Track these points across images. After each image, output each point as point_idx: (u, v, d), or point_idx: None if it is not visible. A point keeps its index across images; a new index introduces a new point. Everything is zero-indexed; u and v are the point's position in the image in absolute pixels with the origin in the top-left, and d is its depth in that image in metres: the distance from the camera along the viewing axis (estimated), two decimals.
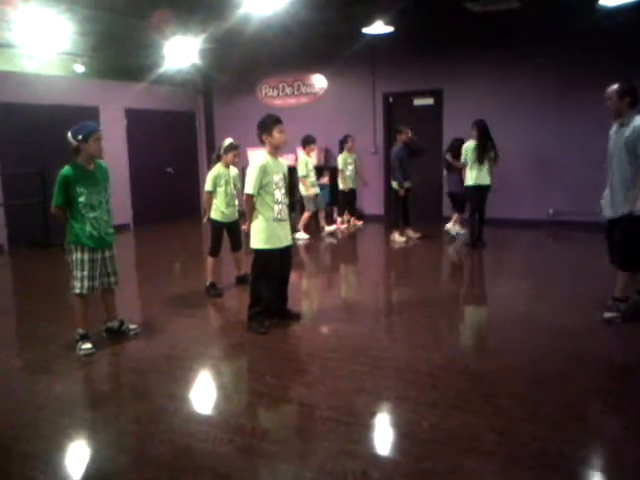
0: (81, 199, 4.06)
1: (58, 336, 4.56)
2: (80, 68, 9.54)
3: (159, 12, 6.96)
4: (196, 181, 11.91)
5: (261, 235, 4.42)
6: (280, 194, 4.46)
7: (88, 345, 4.16)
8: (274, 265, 4.48)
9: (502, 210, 9.31)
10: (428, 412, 3.13)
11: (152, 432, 3.02)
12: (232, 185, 5.71)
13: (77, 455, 2.91)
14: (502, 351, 4.05)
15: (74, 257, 4.12)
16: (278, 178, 4.44)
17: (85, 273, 4.11)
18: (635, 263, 4.36)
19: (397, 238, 8.35)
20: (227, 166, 5.68)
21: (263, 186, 4.37)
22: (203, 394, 3.64)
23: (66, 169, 4.06)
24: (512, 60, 8.96)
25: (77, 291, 4.14)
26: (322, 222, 9.22)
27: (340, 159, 9.25)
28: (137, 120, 10.41)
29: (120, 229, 8.40)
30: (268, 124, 4.37)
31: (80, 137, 4.01)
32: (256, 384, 3.70)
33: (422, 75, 9.76)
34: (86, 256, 4.11)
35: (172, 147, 11.23)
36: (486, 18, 8.09)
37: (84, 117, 10.03)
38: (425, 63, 9.65)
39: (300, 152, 8.80)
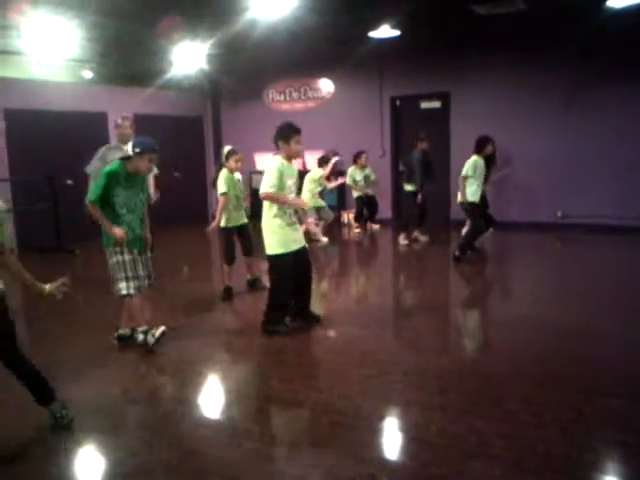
0: (118, 199, 4.07)
1: (66, 341, 4.59)
2: (88, 74, 9.62)
3: (167, 18, 7.00)
4: (204, 186, 11.96)
5: (275, 240, 4.44)
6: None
7: (156, 329, 4.22)
8: (290, 269, 4.49)
9: (510, 212, 9.28)
10: (436, 416, 3.13)
11: (160, 436, 3.04)
12: (239, 189, 5.73)
13: (86, 459, 2.93)
14: (509, 354, 4.04)
15: (114, 260, 4.13)
16: (291, 182, 4.49)
17: (129, 274, 4.14)
18: None
19: (402, 241, 8.36)
20: (231, 172, 5.70)
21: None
22: (212, 398, 3.66)
23: (115, 164, 4.09)
24: (519, 62, 8.93)
25: (124, 292, 4.15)
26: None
27: (348, 174, 9.18)
28: (145, 125, 10.45)
29: None
30: (287, 133, 4.37)
31: (137, 150, 4.08)
32: (264, 388, 3.71)
33: (429, 78, 9.76)
34: (127, 257, 4.13)
35: (180, 152, 11.27)
36: (493, 21, 8.08)
37: (93, 123, 10.24)
38: (432, 66, 9.65)
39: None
